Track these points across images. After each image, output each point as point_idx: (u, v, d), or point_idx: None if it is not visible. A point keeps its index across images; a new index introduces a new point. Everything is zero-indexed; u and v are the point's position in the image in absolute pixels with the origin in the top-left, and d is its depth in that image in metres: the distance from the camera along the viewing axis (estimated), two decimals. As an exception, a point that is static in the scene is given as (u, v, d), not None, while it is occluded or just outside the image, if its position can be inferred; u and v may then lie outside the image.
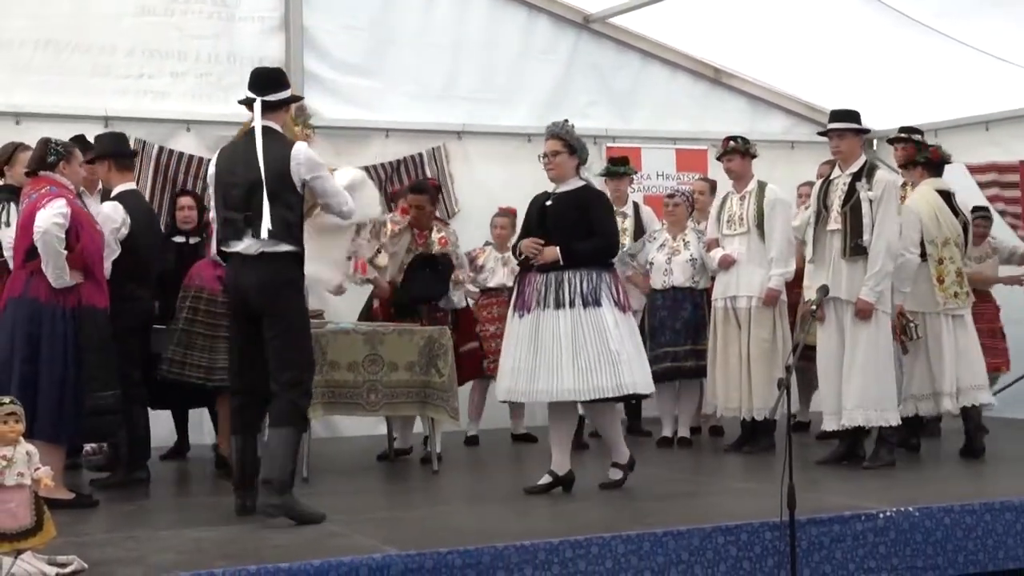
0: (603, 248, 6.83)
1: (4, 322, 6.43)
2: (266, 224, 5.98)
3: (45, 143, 6.60)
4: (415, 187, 8.97)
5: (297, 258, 6.18)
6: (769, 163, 10.51)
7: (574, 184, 6.90)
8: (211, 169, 6.36)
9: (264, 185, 6.00)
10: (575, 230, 6.76)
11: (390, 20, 10.66)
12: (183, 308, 7.65)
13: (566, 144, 6.86)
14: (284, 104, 6.30)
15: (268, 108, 6.18)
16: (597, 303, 6.59)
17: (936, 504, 6.05)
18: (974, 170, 10.48)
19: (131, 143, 9.38)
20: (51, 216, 6.27)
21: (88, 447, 7.93)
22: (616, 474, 6.99)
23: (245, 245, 6.09)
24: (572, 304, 6.60)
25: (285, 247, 6.08)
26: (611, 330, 6.58)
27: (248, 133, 6.27)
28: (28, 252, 6.38)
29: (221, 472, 7.54)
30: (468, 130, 10.75)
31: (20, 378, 6.25)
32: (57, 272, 6.33)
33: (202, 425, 8.91)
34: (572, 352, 6.55)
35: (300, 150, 6.16)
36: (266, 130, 6.14)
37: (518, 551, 5.12)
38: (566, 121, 6.94)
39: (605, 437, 7.18)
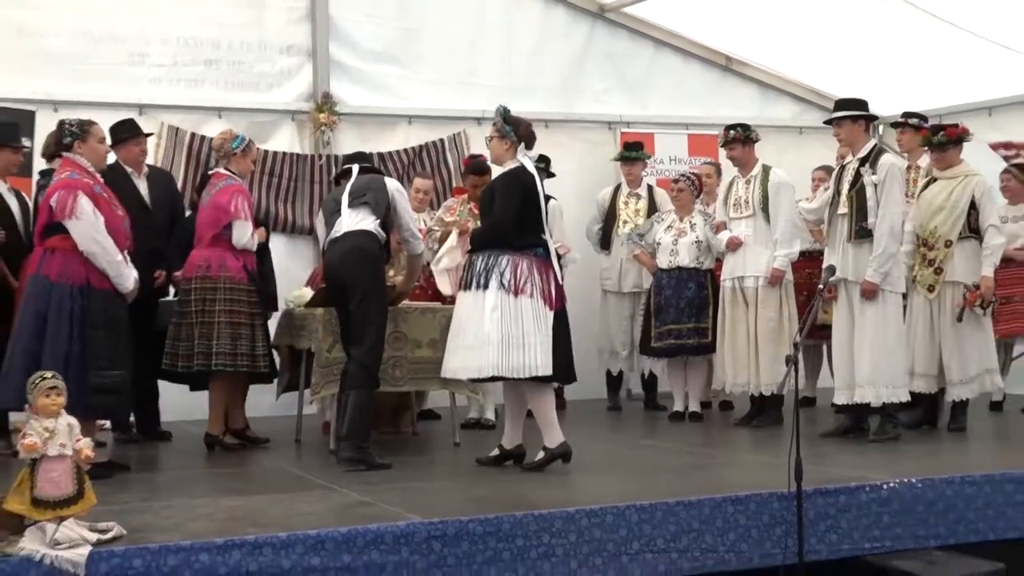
0: (486, 231, 6.78)
1: (26, 298, 6.50)
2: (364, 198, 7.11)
3: (60, 125, 6.63)
4: (477, 168, 8.92)
5: (378, 240, 7.04)
6: (778, 148, 10.64)
7: (508, 167, 6.83)
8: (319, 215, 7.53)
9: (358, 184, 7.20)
10: (487, 214, 6.84)
11: (413, 10, 10.79)
12: (217, 300, 7.59)
13: (496, 128, 6.84)
14: (374, 170, 7.60)
15: (362, 171, 7.38)
16: (484, 286, 6.56)
17: (938, 476, 6.08)
18: (997, 147, 10.52)
19: (163, 129, 9.67)
20: (84, 230, 6.34)
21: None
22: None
23: (336, 231, 7.05)
24: (469, 286, 6.67)
25: (368, 225, 7.01)
26: (487, 313, 6.50)
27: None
28: (44, 231, 6.44)
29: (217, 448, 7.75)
30: (488, 116, 10.68)
31: (27, 352, 6.24)
32: (115, 271, 6.46)
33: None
34: (460, 334, 6.67)
35: (390, 179, 7.49)
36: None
37: (536, 520, 5.19)
38: (499, 106, 6.89)
39: None
